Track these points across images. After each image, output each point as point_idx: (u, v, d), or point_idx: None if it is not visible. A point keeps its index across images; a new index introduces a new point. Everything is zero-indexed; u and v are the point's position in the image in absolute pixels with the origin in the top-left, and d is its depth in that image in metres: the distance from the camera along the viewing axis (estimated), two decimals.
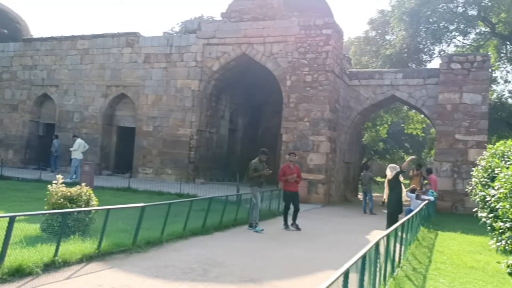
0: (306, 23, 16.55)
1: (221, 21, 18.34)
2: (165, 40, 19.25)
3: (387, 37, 27.64)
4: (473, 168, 9.89)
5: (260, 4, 17.47)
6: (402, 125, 29.97)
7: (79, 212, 6.74)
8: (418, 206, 10.63)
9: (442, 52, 24.83)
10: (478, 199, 8.54)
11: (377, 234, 10.06)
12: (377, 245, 4.94)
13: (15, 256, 5.30)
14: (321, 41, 16.34)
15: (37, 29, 78.66)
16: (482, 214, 7.43)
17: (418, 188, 12.90)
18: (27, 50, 21.66)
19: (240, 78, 19.36)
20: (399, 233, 6.71)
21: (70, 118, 20.47)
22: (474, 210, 8.35)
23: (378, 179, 35.48)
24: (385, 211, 11.24)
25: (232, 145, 21.44)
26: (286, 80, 16.74)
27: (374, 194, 16.97)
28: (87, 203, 7.30)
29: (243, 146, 22.02)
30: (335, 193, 17.61)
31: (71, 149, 16.83)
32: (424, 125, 28.13)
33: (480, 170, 8.98)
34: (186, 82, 18.44)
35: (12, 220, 5.08)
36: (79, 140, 16.94)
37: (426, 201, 11.49)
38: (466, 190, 10.34)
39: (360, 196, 19.30)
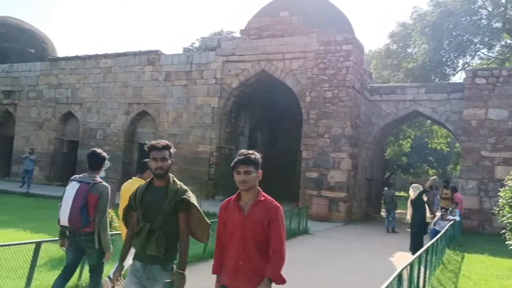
0: (325, 39, 16.49)
1: (240, 38, 18.45)
2: (185, 58, 19.47)
3: (409, 50, 27.35)
4: (500, 188, 9.55)
5: (279, 21, 17.52)
6: (426, 139, 29.42)
7: None
8: (443, 227, 10.30)
9: (466, 65, 24.42)
10: (505, 221, 8.22)
11: (400, 256, 9.81)
12: (400, 275, 4.75)
13: (41, 280, 5.33)
14: (341, 56, 16.24)
15: (62, 48, 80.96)
16: (510, 242, 7.12)
17: (449, 207, 12.52)
18: (53, 69, 22.22)
19: (259, 94, 19.37)
20: (424, 255, 6.48)
21: (93, 136, 20.81)
22: (502, 231, 8.03)
23: (402, 194, 34.85)
24: (409, 230, 10.95)
25: None
26: (305, 96, 16.66)
27: (397, 211, 16.60)
28: (110, 225, 7.31)
29: (263, 162, 21.91)
30: (357, 210, 17.30)
31: None
32: (448, 139, 27.55)
33: (508, 191, 8.65)
34: (206, 99, 18.56)
35: (38, 246, 5.12)
36: None
37: (452, 222, 11.14)
38: (493, 210, 9.98)
39: (383, 213, 18.92)
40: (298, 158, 18.21)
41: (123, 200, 4.97)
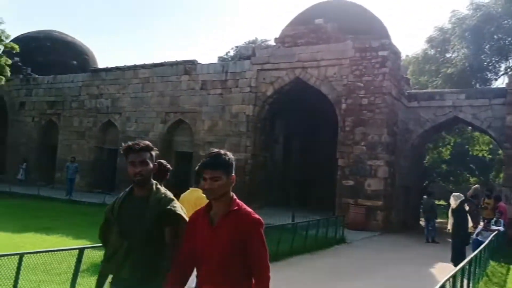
0: (361, 46, 16.33)
1: (274, 47, 18.54)
2: (221, 67, 19.74)
3: (448, 55, 26.68)
4: None
5: (314, 28, 17.50)
6: (467, 146, 28.47)
7: None
8: (487, 237, 9.92)
9: (508, 70, 23.53)
10: None
11: (441, 268, 9.52)
12: None
13: (84, 285, 5.51)
14: (377, 63, 16.03)
15: (103, 59, 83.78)
16: None
17: (492, 218, 12.05)
18: (94, 80, 23.02)
19: (294, 102, 19.35)
20: (467, 267, 6.27)
21: None
22: None
23: (441, 202, 33.78)
24: (450, 240, 10.61)
25: (287, 169, 21.34)
26: (341, 104, 16.52)
27: (437, 221, 16.12)
28: None
29: (298, 170, 21.86)
30: (395, 219, 16.91)
31: None
32: (491, 146, 26.56)
33: None
34: (241, 108, 18.72)
35: (81, 252, 5.32)
36: None
37: (496, 232, 10.71)
38: None
39: (422, 222, 18.41)
40: (334, 166, 18.03)
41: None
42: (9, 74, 21.33)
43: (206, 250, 2.46)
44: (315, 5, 22.07)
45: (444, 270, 8.62)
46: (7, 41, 21.14)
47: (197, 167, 2.54)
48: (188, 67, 20.24)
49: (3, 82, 21.46)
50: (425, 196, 16.22)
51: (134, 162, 2.78)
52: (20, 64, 24.13)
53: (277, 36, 18.52)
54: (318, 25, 17.45)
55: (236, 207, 2.49)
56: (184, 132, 20.62)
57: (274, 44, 18.80)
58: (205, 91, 19.65)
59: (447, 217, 10.66)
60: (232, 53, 38.85)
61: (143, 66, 21.59)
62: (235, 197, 2.53)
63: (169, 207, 2.76)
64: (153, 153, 2.88)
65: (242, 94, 18.72)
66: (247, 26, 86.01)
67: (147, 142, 2.89)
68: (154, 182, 2.89)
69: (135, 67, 21.84)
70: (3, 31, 20.45)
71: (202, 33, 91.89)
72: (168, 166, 5.11)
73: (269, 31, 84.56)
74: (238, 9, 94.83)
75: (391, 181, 16.20)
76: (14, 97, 25.73)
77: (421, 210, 19.92)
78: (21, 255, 4.92)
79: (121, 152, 2.85)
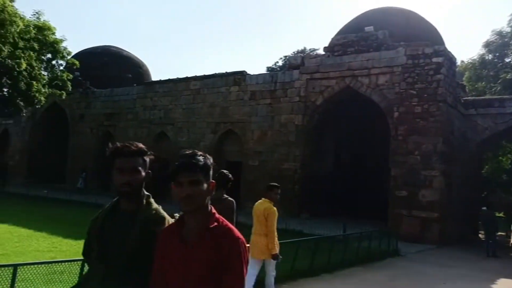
0: (413, 52, 15.91)
1: (324, 55, 18.45)
2: (270, 77, 19.90)
3: (507, 60, 25.44)
4: None
5: (364, 36, 17.26)
6: None
7: None
8: None
9: None
10: None
11: (505, 284, 9.01)
12: None
13: None
14: (431, 70, 15.54)
15: (156, 72, 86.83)
16: None
17: None
18: (148, 92, 23.89)
19: (344, 111, 19.13)
20: None
21: None
22: None
23: (502, 214, 31.96)
24: None
25: (337, 179, 21.03)
26: (393, 112, 16.13)
27: (498, 234, 15.27)
28: None
29: (348, 179, 21.49)
30: (452, 232, 16.19)
31: None
32: None
33: None
34: (290, 117, 18.73)
35: None
36: None
37: None
38: None
39: (482, 235, 17.50)
40: (386, 175, 17.58)
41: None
42: (70, 88, 22.63)
43: (177, 278, 1.96)
44: (365, 13, 21.84)
45: (508, 286, 8.16)
46: (69, 57, 22.46)
47: (170, 170, 2.03)
48: (238, 78, 20.56)
49: (64, 96, 22.79)
50: (484, 208, 15.42)
51: (122, 168, 2.22)
52: (80, 78, 25.49)
53: (326, 45, 18.45)
54: (368, 33, 17.21)
55: (215, 223, 2.01)
56: (234, 142, 20.90)
57: (323, 53, 18.73)
58: (254, 101, 19.85)
59: (510, 229, 10.09)
60: (280, 63, 39.08)
61: (194, 78, 22.17)
62: (213, 210, 2.06)
63: (158, 227, 2.17)
64: (147, 158, 2.31)
65: (291, 103, 18.75)
66: (295, 36, 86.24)
67: (141, 145, 2.32)
68: (146, 194, 2.32)
69: (186, 79, 22.47)
70: (65, 48, 21.78)
71: (251, 44, 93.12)
72: (230, 176, 5.32)
73: (317, 40, 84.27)
74: (286, 19, 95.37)
75: (447, 192, 15.56)
76: (74, 109, 27.21)
77: (479, 222, 18.95)
78: (83, 262, 5.17)
79: (108, 155, 2.26)
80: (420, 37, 17.22)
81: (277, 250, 6.04)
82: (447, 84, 15.63)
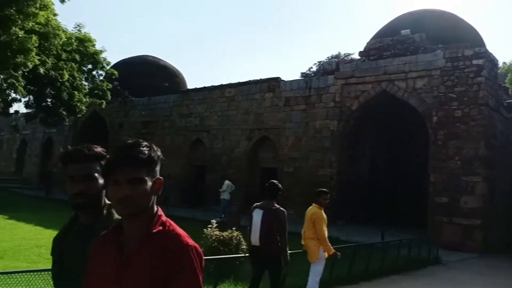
0: (452, 55, 15.50)
1: (359, 60, 18.26)
2: (304, 83, 19.85)
3: None
4: None
5: (401, 39, 16.98)
6: None
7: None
8: None
9: None
10: None
11: None
12: None
13: None
14: (471, 72, 15.09)
15: (191, 80, 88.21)
16: None
17: None
18: (184, 100, 24.32)
19: (380, 116, 18.82)
20: None
21: (218, 161, 22.13)
22: None
23: None
24: None
25: (373, 185, 20.67)
26: (432, 116, 15.74)
27: None
28: (237, 247, 7.73)
29: (384, 185, 21.08)
30: (496, 240, 15.56)
31: (220, 190, 18.13)
32: None
33: None
34: (325, 123, 18.60)
35: None
36: (227, 182, 18.19)
37: None
38: None
39: None
40: (424, 181, 17.13)
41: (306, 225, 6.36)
42: (109, 97, 23.37)
43: None
44: (401, 16, 21.49)
45: None
46: (108, 67, 23.23)
47: (104, 165, 1.73)
48: (272, 84, 20.62)
49: (104, 105, 23.55)
50: None
51: (74, 177, 1.91)
52: (119, 88, 26.26)
53: (361, 49, 18.25)
54: (404, 36, 16.92)
55: (160, 227, 1.59)
56: (269, 148, 20.92)
57: (358, 57, 18.55)
58: (288, 108, 19.84)
59: None
60: (314, 68, 38.90)
61: (229, 85, 22.40)
62: (160, 212, 1.65)
63: None
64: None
65: (326, 109, 18.62)
66: (329, 41, 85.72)
67: (98, 148, 1.99)
68: (108, 203, 1.98)
69: (221, 87, 22.73)
70: (104, 59, 22.55)
71: (284, 50, 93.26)
72: (280, 186, 5.73)
73: (351, 45, 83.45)
74: (320, 25, 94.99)
75: (490, 198, 15.00)
76: (113, 118, 28.03)
77: None
78: None
79: (58, 161, 1.89)
80: (460, 39, 16.76)
81: (332, 250, 6.42)
82: (489, 87, 15.13)
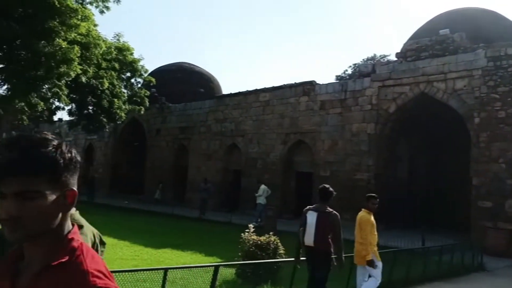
0: (495, 54, 14.96)
1: (396, 62, 17.92)
2: (340, 86, 19.65)
3: None
4: None
5: (439, 40, 16.54)
6: None
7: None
8: None
9: None
10: None
11: None
12: None
13: None
14: None
15: (226, 86, 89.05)
16: None
17: None
18: (219, 106, 24.59)
19: (418, 118, 18.36)
20: None
21: (254, 165, 22.21)
22: None
23: None
24: None
25: (412, 189, 20.16)
26: (473, 118, 15.23)
27: None
28: (275, 251, 7.74)
29: (424, 189, 20.53)
30: None
31: (256, 194, 18.18)
32: None
33: None
34: (361, 126, 18.34)
35: (216, 269, 5.72)
36: (263, 186, 18.22)
37: None
38: None
39: None
40: (465, 184, 16.57)
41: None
42: (147, 104, 23.97)
43: None
44: (439, 16, 20.96)
45: None
46: (146, 75, 23.85)
47: None
48: (307, 88, 20.53)
49: (142, 112, 24.16)
50: None
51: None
52: (156, 94, 26.88)
53: (397, 51, 17.90)
54: (443, 36, 16.47)
55: (65, 257, 1.15)
56: (304, 153, 20.82)
57: (395, 59, 18.20)
58: (324, 111, 19.69)
59: None
60: (349, 71, 38.44)
61: (264, 90, 22.47)
62: (74, 234, 1.22)
63: None
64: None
65: (363, 112, 18.36)
66: (364, 43, 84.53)
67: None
68: (74, 225, 1.34)
69: (256, 91, 22.83)
70: (142, 67, 23.16)
71: (319, 53, 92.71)
72: (332, 189, 5.90)
73: (387, 47, 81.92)
74: (355, 27, 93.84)
75: None
76: (151, 124, 28.70)
77: None
78: (165, 270, 5.46)
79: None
80: (502, 38, 16.17)
81: (371, 257, 6.48)
82: None
